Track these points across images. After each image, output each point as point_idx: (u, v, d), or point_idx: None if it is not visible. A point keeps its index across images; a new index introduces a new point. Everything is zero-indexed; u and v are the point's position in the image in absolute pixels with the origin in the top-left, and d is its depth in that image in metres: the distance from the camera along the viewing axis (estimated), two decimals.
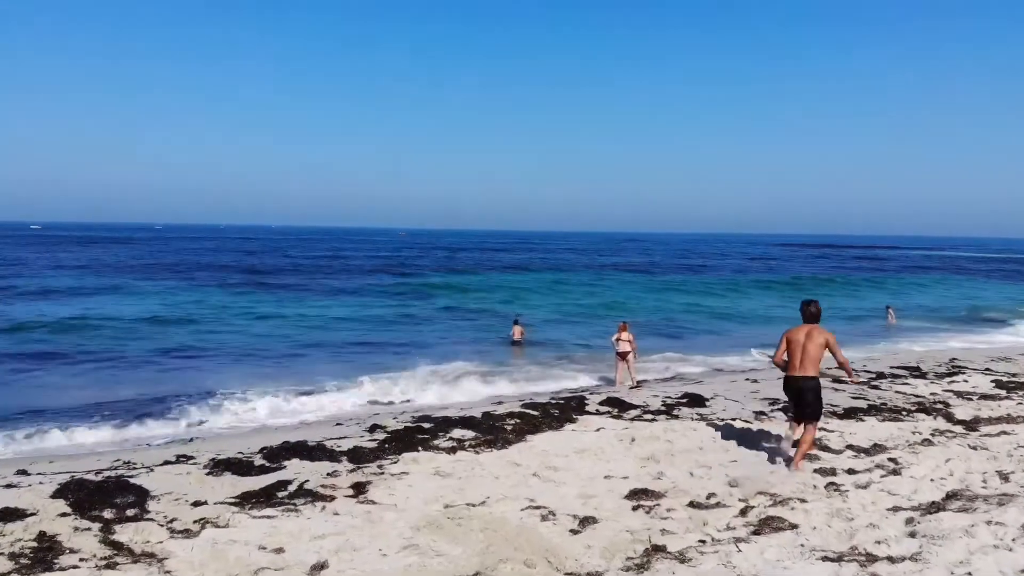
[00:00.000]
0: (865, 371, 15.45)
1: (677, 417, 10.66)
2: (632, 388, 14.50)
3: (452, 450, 8.55)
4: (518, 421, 10.02)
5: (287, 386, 15.06)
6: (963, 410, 11.14)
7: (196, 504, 6.92)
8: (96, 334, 21.90)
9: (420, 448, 8.66)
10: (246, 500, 6.97)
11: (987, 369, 15.65)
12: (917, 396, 12.46)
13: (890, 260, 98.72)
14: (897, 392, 12.82)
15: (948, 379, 14.32)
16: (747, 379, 14.69)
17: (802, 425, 7.98)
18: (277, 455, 8.49)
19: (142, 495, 7.25)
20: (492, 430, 9.50)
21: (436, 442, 8.96)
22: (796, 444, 8.08)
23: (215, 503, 6.93)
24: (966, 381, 13.99)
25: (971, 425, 10.15)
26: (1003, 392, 12.75)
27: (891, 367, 15.98)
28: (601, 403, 11.65)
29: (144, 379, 16.03)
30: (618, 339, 17.22)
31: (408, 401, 14.34)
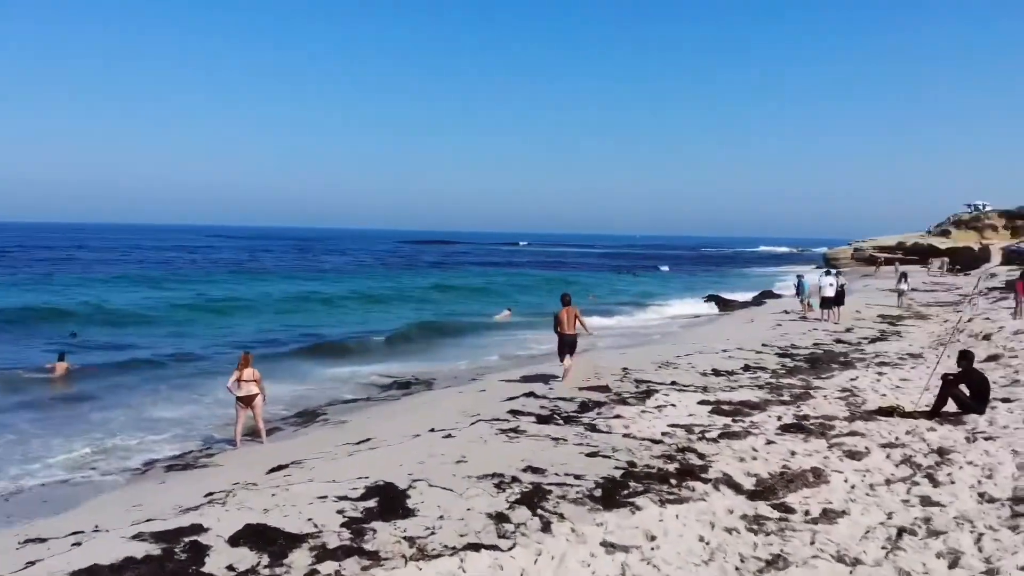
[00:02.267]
0: (559, 399, 12.62)
1: (381, 565, 6.01)
2: (271, 471, 9.35)
3: None
4: None
5: None
6: (731, 467, 8.53)
7: None
8: None
9: None
10: None
11: (673, 382, 14.06)
12: (649, 439, 9.73)
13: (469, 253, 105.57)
14: (623, 435, 9.96)
15: (651, 402, 12.17)
16: (439, 433, 10.55)
17: (568, 357, 14.33)
18: None
19: None
20: None
21: None
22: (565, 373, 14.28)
23: None
24: (674, 406, 11.89)
25: (778, 502, 7.43)
26: (730, 422, 10.72)
27: (580, 387, 13.48)
28: (234, 540, 6.40)
29: None
30: (239, 379, 12.04)
31: None
